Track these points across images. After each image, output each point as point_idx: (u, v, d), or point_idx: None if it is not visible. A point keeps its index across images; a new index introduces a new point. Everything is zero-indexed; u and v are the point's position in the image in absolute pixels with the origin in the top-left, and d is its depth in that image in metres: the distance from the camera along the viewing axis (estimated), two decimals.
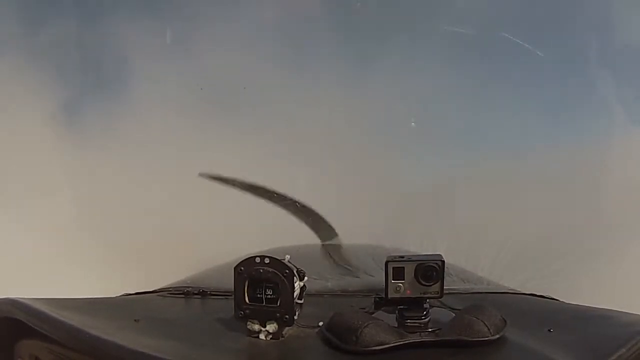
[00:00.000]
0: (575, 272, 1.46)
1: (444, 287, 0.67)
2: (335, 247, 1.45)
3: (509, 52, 1.59)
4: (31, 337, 0.67)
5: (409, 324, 0.67)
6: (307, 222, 1.42)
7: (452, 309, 0.73)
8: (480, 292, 0.94)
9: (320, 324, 0.68)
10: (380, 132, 1.68)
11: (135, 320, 0.70)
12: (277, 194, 1.38)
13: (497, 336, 0.63)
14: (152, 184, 1.60)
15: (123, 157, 1.68)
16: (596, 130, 1.70)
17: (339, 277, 1.08)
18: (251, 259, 0.67)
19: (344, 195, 1.59)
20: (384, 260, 0.68)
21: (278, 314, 0.66)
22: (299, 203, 1.37)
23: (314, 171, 1.57)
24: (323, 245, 1.46)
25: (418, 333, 0.65)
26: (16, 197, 1.61)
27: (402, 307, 0.68)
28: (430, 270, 0.66)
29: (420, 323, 0.67)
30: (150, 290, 0.96)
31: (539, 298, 0.91)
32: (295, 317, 0.67)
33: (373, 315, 0.70)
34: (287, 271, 0.66)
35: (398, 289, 0.67)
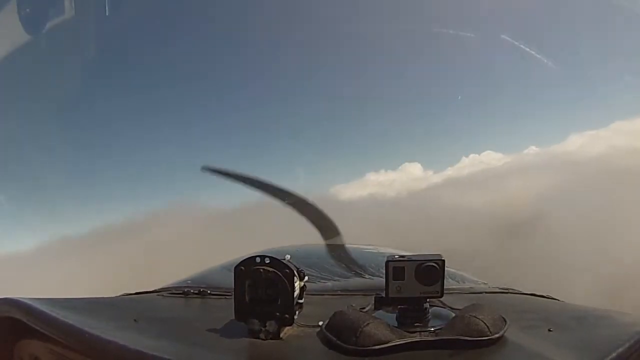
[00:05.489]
0: None
1: (444, 287, 0.67)
2: (336, 247, 1.45)
3: None
4: (31, 337, 0.67)
5: (409, 323, 0.67)
6: (310, 220, 1.40)
7: (452, 309, 0.73)
8: (480, 292, 0.94)
9: (320, 323, 0.68)
10: None
11: (135, 320, 0.70)
12: (280, 189, 1.36)
13: (497, 335, 0.63)
14: None
15: None
16: None
17: (339, 277, 1.08)
18: (251, 259, 0.67)
19: None
20: (385, 260, 0.68)
21: (278, 314, 0.66)
22: (302, 200, 1.35)
23: None
24: (323, 245, 1.46)
25: (418, 332, 0.65)
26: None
27: (402, 306, 0.68)
28: (431, 270, 0.66)
29: (420, 322, 0.67)
30: (150, 290, 0.96)
31: (539, 298, 0.91)
32: (295, 317, 0.67)
33: (373, 314, 0.70)
34: (287, 271, 0.66)
35: (398, 288, 0.67)
